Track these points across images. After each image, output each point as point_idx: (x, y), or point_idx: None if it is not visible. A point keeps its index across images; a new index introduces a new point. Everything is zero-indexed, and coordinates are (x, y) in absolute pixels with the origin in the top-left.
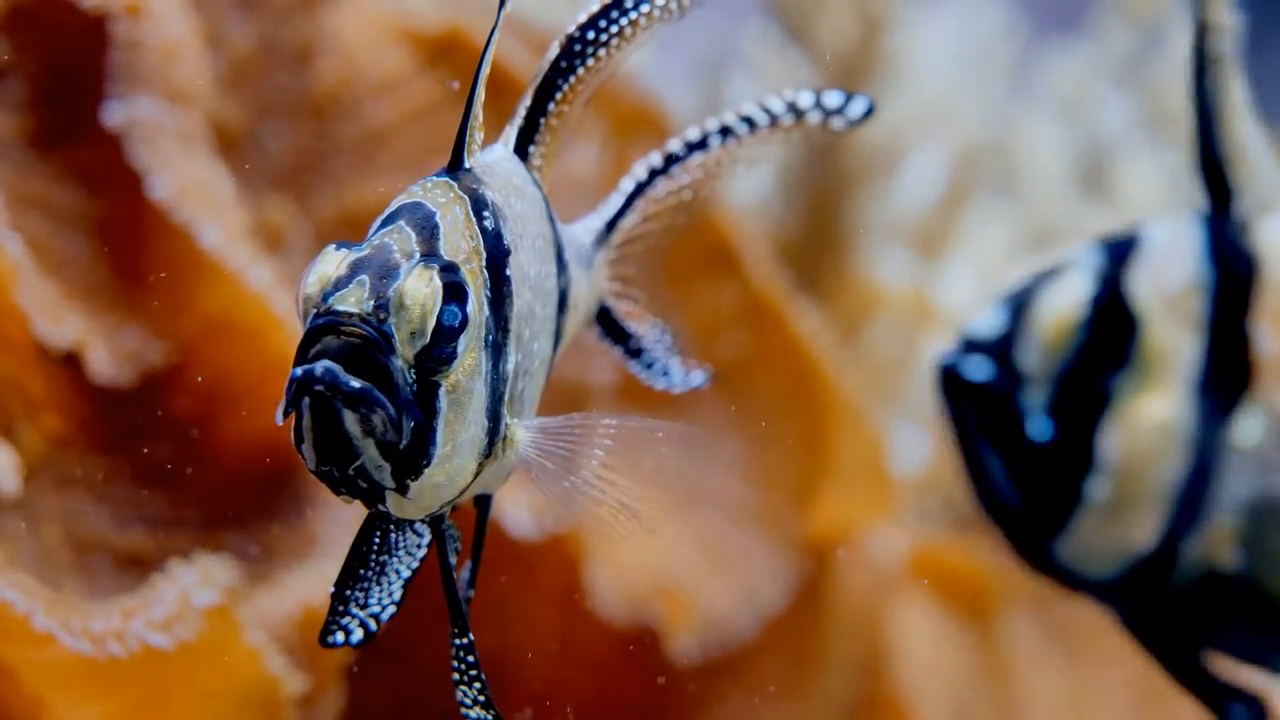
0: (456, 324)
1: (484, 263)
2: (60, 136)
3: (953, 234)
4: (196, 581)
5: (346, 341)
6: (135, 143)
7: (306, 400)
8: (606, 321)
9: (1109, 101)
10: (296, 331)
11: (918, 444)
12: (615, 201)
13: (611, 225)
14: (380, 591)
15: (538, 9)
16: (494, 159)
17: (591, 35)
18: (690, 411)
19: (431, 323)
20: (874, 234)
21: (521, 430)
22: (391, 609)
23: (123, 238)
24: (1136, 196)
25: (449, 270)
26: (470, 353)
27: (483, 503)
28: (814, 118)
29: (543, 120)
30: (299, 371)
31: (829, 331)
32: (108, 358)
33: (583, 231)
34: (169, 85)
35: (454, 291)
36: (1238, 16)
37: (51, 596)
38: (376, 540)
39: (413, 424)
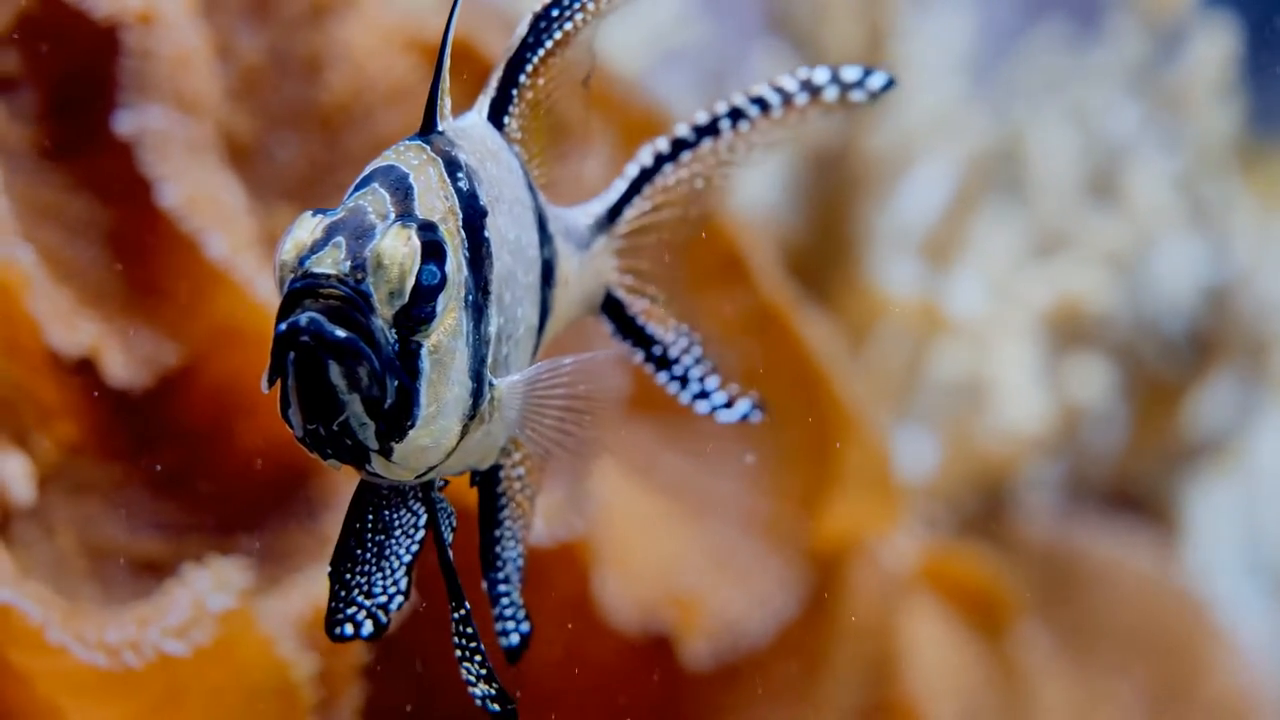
0: (436, 283)
1: (460, 222)
2: (72, 146)
3: (961, 242)
4: (210, 585)
5: (325, 304)
6: (145, 151)
7: (292, 356)
8: (620, 318)
9: (1121, 107)
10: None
11: (925, 450)
12: (619, 187)
13: (616, 211)
14: (384, 578)
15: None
16: (467, 124)
17: (556, 12)
18: (698, 420)
19: (411, 282)
20: (882, 242)
21: (505, 390)
22: (400, 599)
23: (135, 246)
24: (1146, 202)
25: (427, 229)
26: (450, 312)
27: (487, 481)
28: (831, 93)
29: (515, 92)
30: (283, 327)
31: (837, 340)
32: (123, 361)
33: (581, 214)
34: (180, 94)
35: (432, 250)
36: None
37: (66, 607)
38: (370, 517)
39: (396, 383)
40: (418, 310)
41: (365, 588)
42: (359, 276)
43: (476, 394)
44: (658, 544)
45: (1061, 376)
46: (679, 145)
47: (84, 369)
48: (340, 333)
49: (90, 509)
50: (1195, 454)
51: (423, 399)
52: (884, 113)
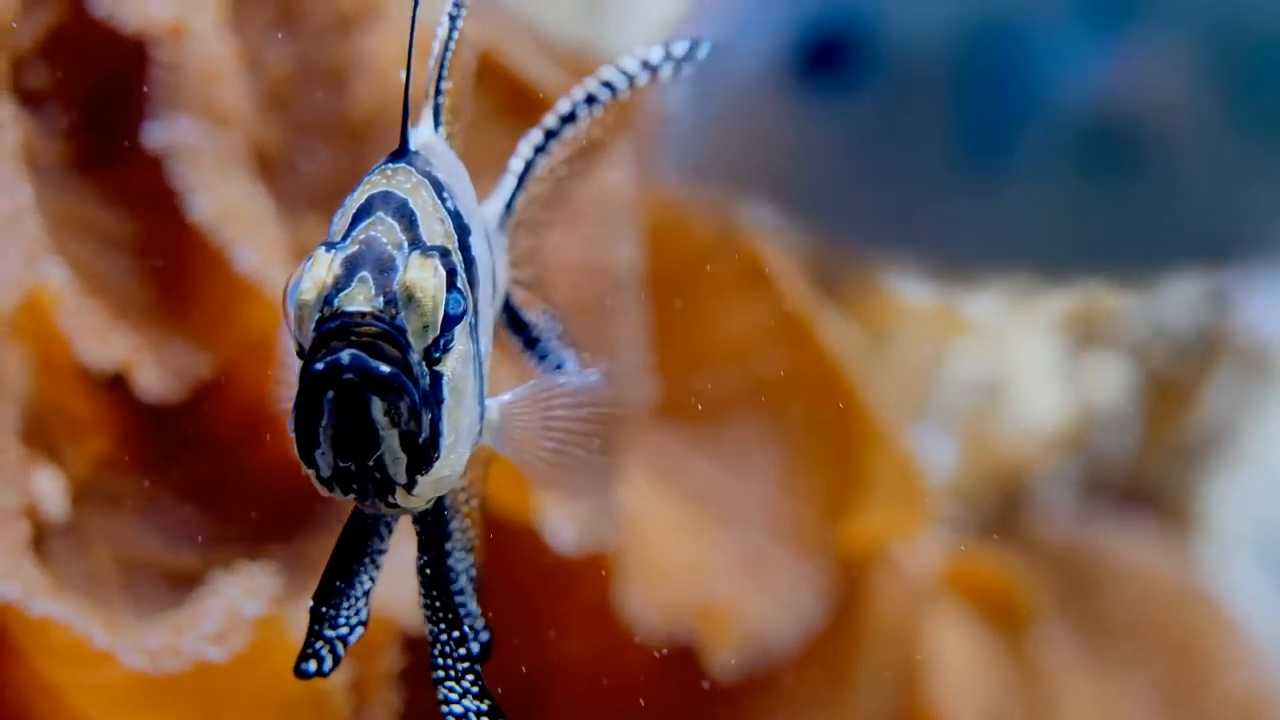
0: (460, 311)
1: (456, 245)
2: (102, 159)
3: None
4: (242, 592)
5: (363, 340)
6: (176, 164)
7: (330, 395)
8: (508, 309)
9: None
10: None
11: (943, 451)
12: (510, 183)
13: (509, 208)
14: (349, 608)
15: (564, 25)
16: (426, 140)
17: (455, 10)
18: (726, 425)
19: (441, 313)
20: None
21: (495, 409)
22: (360, 630)
23: (165, 258)
24: None
25: (446, 256)
26: (462, 339)
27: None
28: (666, 70)
29: (440, 100)
30: (320, 366)
31: (861, 346)
32: (155, 375)
33: (487, 214)
34: (210, 107)
35: (453, 278)
36: None
37: (105, 617)
38: (355, 549)
39: (430, 416)
40: (443, 339)
41: (333, 620)
42: (393, 312)
43: (481, 417)
44: (684, 551)
45: (1079, 375)
46: (549, 135)
47: (116, 382)
48: (385, 368)
49: (123, 522)
50: (1209, 450)
51: (445, 428)
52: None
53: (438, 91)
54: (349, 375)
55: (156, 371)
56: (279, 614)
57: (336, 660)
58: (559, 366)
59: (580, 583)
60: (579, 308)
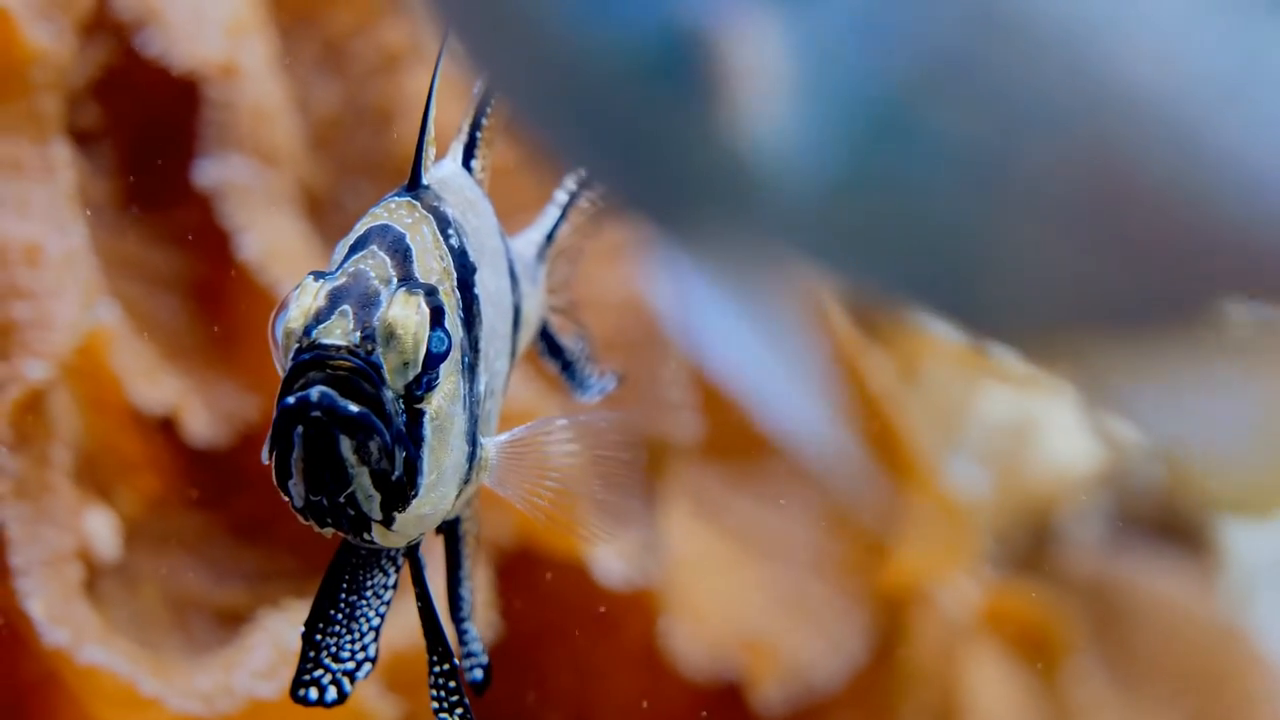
0: (444, 350)
1: (455, 282)
2: (152, 198)
3: None
4: (290, 626)
5: (335, 376)
6: (225, 203)
7: (299, 430)
8: (545, 336)
9: None
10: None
11: (977, 489)
12: (553, 214)
13: (551, 238)
14: (353, 643)
15: None
16: (446, 174)
17: None
18: (769, 462)
19: (422, 351)
20: None
21: (492, 449)
22: (368, 666)
23: (215, 297)
24: None
25: (432, 294)
26: (450, 377)
27: (451, 527)
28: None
29: (479, 134)
30: (291, 400)
31: (900, 384)
32: (205, 418)
33: (527, 246)
34: (260, 146)
35: (438, 316)
36: None
37: (153, 660)
38: (346, 578)
39: (404, 455)
40: (426, 378)
41: (334, 651)
42: (369, 348)
43: (471, 457)
44: (728, 587)
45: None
46: None
47: (167, 422)
48: (353, 408)
49: (174, 561)
50: None
51: (424, 467)
52: None
53: (476, 125)
54: (316, 413)
55: (206, 416)
56: None
57: (342, 693)
58: (581, 384)
59: (622, 618)
60: (622, 345)
